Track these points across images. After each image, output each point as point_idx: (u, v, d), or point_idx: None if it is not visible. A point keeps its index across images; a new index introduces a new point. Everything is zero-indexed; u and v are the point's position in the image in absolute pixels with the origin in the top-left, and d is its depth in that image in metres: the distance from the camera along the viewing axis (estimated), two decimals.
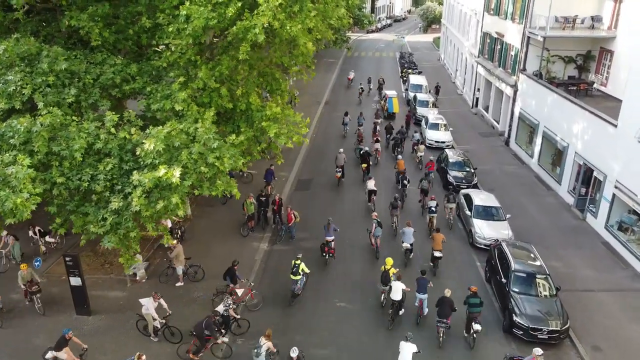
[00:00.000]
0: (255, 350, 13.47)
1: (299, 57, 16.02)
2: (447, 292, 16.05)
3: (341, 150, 27.84)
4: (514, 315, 16.22)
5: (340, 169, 26.98)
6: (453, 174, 26.92)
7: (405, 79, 48.42)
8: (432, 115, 35.49)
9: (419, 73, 50.30)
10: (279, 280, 18.93)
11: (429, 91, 43.12)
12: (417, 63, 58.08)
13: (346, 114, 35.45)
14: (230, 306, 15.27)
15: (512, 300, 16.63)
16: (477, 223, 21.76)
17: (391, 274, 17.03)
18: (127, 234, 12.68)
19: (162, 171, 11.32)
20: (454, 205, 23.26)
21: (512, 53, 33.19)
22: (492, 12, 37.52)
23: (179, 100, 13.12)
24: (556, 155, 27.05)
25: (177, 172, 11.34)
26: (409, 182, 25.25)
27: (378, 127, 32.85)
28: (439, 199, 23.46)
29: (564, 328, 15.84)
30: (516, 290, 16.89)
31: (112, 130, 12.68)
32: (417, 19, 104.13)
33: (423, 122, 35.27)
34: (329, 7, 16.57)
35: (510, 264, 17.65)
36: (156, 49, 15.77)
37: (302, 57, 16.21)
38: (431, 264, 19.68)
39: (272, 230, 22.64)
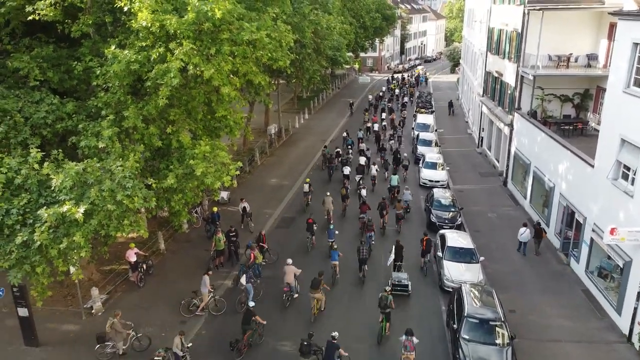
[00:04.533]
0: None
1: (224, 97, 16.12)
2: None
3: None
4: None
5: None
6: (437, 213, 26.18)
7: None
8: (430, 154, 34.91)
9: (432, 112, 50.02)
10: (227, 319, 18.65)
11: (435, 130, 42.64)
12: (435, 102, 57.92)
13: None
14: None
15: (460, 348, 15.73)
16: (447, 265, 20.93)
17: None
18: (34, 269, 12.75)
19: (65, 207, 11.62)
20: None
21: (509, 92, 32.58)
22: (493, 51, 37.19)
23: (103, 137, 13.56)
24: (545, 196, 25.94)
25: (81, 208, 11.62)
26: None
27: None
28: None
29: None
30: (466, 337, 15.98)
31: (36, 166, 13.12)
32: (445, 60, 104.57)
33: (421, 161, 34.62)
34: (260, 43, 16.39)
35: (463, 309, 16.81)
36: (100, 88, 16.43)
37: (229, 99, 16.34)
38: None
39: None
